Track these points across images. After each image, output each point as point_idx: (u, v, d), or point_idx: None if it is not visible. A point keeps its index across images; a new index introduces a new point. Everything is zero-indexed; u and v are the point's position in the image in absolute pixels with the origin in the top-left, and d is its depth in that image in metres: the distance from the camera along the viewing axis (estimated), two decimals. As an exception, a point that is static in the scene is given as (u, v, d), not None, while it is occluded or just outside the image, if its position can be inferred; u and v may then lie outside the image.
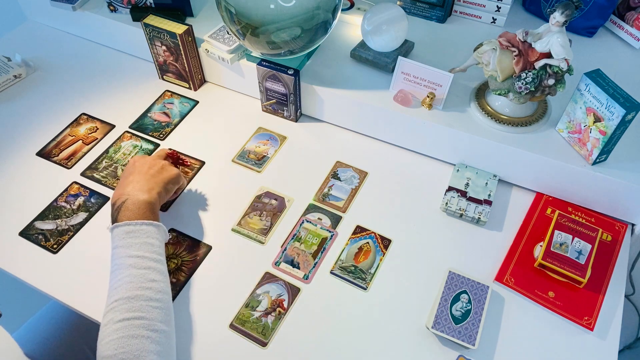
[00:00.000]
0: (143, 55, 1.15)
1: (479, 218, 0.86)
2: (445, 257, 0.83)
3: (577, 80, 0.81)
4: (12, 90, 1.10)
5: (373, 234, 0.86)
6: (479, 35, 1.04)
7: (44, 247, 0.84)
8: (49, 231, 0.86)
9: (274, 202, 0.90)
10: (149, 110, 1.06)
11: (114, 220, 0.74)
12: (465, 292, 0.76)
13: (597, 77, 0.78)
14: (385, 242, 0.85)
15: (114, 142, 1.00)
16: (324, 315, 0.77)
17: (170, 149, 0.92)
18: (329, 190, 0.92)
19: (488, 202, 0.88)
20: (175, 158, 0.92)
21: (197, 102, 1.08)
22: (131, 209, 0.73)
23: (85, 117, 1.05)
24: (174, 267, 0.82)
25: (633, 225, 0.86)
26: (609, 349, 0.74)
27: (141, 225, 0.72)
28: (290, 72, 0.93)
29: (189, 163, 0.95)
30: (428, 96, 0.90)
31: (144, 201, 0.75)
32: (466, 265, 0.82)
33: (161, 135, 1.01)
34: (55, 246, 0.85)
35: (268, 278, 0.81)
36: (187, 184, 0.93)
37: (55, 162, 0.97)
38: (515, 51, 0.80)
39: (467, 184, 0.90)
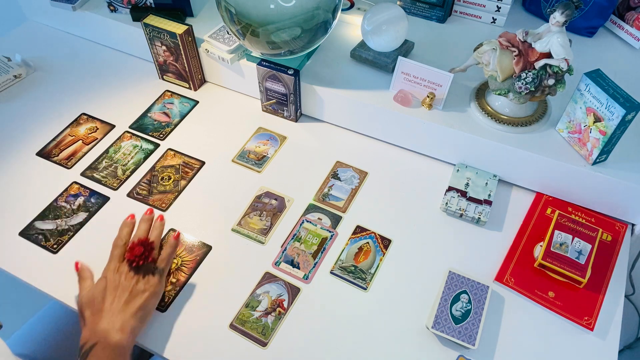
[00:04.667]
0: (143, 55, 1.15)
1: (479, 218, 0.86)
2: (445, 257, 0.83)
3: (577, 80, 0.81)
4: (12, 90, 1.10)
5: (373, 234, 0.86)
6: (479, 35, 1.04)
7: (44, 247, 0.84)
8: (49, 231, 0.86)
9: (274, 202, 0.90)
10: (149, 110, 1.06)
11: None
12: (465, 292, 0.76)
13: (597, 77, 0.78)
14: (385, 242, 0.85)
15: (114, 142, 1.00)
16: (324, 315, 0.77)
17: (132, 243, 0.74)
18: (329, 190, 0.92)
19: (488, 202, 0.88)
20: (140, 252, 0.72)
21: (197, 102, 1.08)
22: (100, 357, 0.64)
23: (85, 117, 1.05)
24: (174, 267, 0.82)
25: (633, 225, 0.86)
26: (609, 349, 0.74)
27: None
28: (290, 72, 0.93)
29: (152, 255, 0.74)
30: (428, 96, 0.90)
31: (115, 345, 0.65)
32: (466, 265, 0.82)
33: (161, 135, 1.01)
34: (55, 246, 0.85)
35: (268, 278, 0.81)
36: (186, 185, 0.93)
37: (55, 162, 0.97)
38: (515, 51, 0.80)
39: (467, 184, 0.90)
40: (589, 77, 0.78)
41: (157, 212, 0.88)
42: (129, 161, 0.97)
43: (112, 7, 1.11)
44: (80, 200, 0.91)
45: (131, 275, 0.72)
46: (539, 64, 0.79)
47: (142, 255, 0.72)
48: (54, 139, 1.01)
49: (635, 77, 0.95)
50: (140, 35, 1.06)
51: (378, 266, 0.82)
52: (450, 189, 0.90)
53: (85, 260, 0.83)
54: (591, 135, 0.80)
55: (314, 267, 0.82)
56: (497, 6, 1.05)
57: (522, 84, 0.80)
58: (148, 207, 0.89)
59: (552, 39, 0.77)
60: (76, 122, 1.04)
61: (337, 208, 0.90)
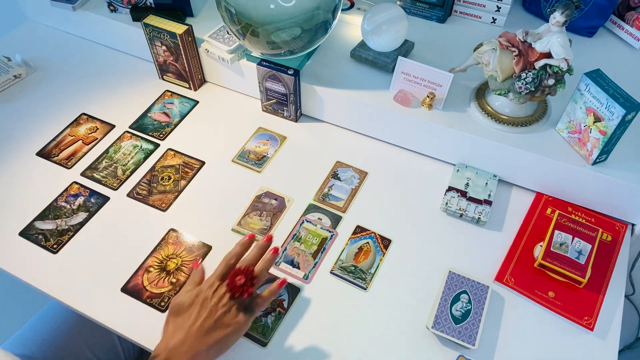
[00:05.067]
0: (143, 55, 1.15)
1: (479, 218, 0.86)
2: (445, 257, 0.83)
3: (577, 80, 0.81)
4: (12, 90, 1.10)
5: (373, 234, 0.86)
6: (479, 35, 1.04)
7: (44, 247, 0.84)
8: (49, 231, 0.86)
9: (274, 202, 0.90)
10: (149, 110, 1.06)
11: None
12: (465, 292, 0.76)
13: (597, 77, 0.78)
14: (385, 242, 0.85)
15: (114, 142, 1.00)
16: (324, 315, 0.77)
17: (238, 269, 0.71)
18: (329, 190, 0.92)
19: (488, 202, 0.88)
20: (241, 282, 0.70)
21: (197, 102, 1.08)
22: None
23: (85, 117, 1.05)
24: (174, 267, 0.82)
25: (633, 225, 0.86)
26: (609, 349, 0.74)
27: None
28: (290, 72, 0.93)
29: (250, 291, 0.70)
30: (428, 96, 0.90)
31: None
32: (466, 265, 0.82)
33: (161, 135, 1.01)
34: (55, 246, 0.85)
35: (268, 278, 0.80)
36: (186, 185, 0.93)
37: (55, 162, 0.97)
38: (515, 51, 0.80)
39: (467, 184, 0.90)
40: (589, 77, 0.78)
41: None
42: (129, 161, 0.97)
43: (112, 7, 1.11)
44: (80, 200, 0.91)
45: (224, 302, 0.69)
46: (539, 64, 0.79)
47: (242, 287, 0.69)
48: (54, 139, 1.01)
49: (635, 77, 0.95)
50: (140, 35, 1.06)
51: (378, 266, 0.82)
52: (450, 189, 0.90)
53: (86, 260, 0.83)
54: (591, 135, 0.80)
55: (314, 267, 0.82)
56: (497, 6, 1.05)
57: (522, 84, 0.80)
58: (261, 234, 0.86)
59: (552, 39, 0.77)
60: (76, 122, 1.04)
61: (337, 208, 0.90)
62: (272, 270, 0.81)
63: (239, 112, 1.06)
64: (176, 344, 0.66)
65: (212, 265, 0.82)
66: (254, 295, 0.72)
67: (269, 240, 0.77)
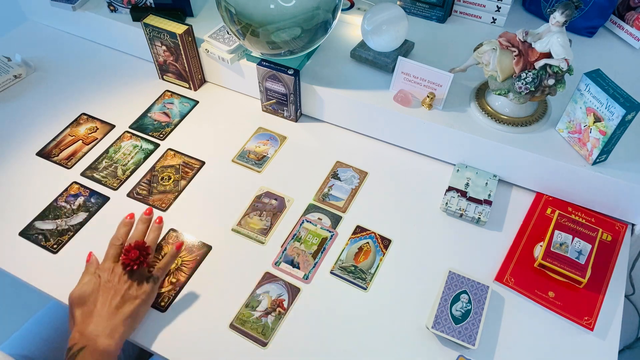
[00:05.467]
0: (143, 55, 1.15)
1: (479, 218, 0.86)
2: (445, 257, 0.83)
3: (577, 80, 0.81)
4: (12, 90, 1.10)
5: (373, 234, 0.86)
6: (479, 35, 1.04)
7: (44, 247, 0.84)
8: (49, 231, 0.86)
9: (274, 202, 0.90)
10: (149, 110, 1.06)
11: None
12: (465, 292, 0.76)
13: (597, 77, 0.78)
14: (385, 242, 0.85)
15: (114, 142, 1.00)
16: (324, 315, 0.77)
17: (128, 246, 0.74)
18: (329, 190, 0.92)
19: (488, 202, 0.88)
20: (135, 256, 0.72)
21: (197, 102, 1.08)
22: None
23: (85, 117, 1.05)
24: (174, 267, 0.82)
25: (633, 225, 0.87)
26: (609, 349, 0.74)
27: None
28: (290, 72, 0.93)
29: (147, 261, 0.74)
30: (428, 96, 0.90)
31: (103, 351, 0.66)
32: (466, 265, 0.82)
33: (161, 135, 1.01)
34: (55, 246, 0.85)
35: (268, 278, 0.81)
36: (186, 185, 0.93)
37: (55, 162, 0.97)
38: (515, 51, 0.80)
39: (467, 184, 0.90)
40: (589, 77, 0.78)
41: (156, 213, 0.88)
42: (129, 161, 0.97)
43: (112, 7, 1.11)
44: (80, 200, 0.91)
45: (125, 278, 0.72)
46: (539, 64, 0.79)
47: (137, 260, 0.72)
48: (54, 139, 1.01)
49: (635, 77, 0.95)
50: (140, 35, 1.06)
51: (378, 266, 0.82)
52: (450, 189, 0.90)
53: (85, 260, 0.83)
54: (591, 135, 0.80)
55: (314, 267, 0.82)
56: (497, 6, 1.05)
57: (522, 84, 0.80)
58: (148, 206, 0.89)
59: (552, 39, 0.77)
60: (76, 122, 1.04)
61: (337, 208, 0.90)
62: (273, 271, 0.81)
63: (239, 112, 1.06)
64: (91, 328, 0.67)
65: (211, 266, 0.82)
66: (151, 264, 0.75)
67: (150, 212, 0.82)
